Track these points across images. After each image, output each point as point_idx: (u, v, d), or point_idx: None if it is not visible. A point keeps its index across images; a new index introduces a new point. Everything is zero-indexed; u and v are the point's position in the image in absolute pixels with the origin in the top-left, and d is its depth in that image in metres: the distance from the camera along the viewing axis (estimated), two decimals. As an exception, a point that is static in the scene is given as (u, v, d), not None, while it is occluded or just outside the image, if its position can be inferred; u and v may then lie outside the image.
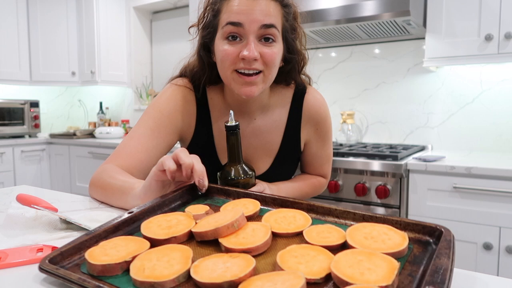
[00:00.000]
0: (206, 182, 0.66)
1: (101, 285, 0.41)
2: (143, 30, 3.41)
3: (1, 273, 0.49)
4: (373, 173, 1.71)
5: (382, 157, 1.73)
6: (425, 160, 1.65)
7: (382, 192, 1.66)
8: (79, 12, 3.17)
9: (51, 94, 3.70)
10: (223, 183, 0.80)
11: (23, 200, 0.71)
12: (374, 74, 2.32)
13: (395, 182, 1.67)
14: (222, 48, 0.81)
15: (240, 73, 0.81)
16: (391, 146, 2.08)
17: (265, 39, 0.80)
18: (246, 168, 0.82)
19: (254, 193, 0.66)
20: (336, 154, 1.83)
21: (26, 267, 0.51)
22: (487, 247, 1.51)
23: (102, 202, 0.85)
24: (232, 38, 0.80)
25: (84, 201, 0.87)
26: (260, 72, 0.82)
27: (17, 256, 0.52)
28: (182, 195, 0.67)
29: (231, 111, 0.79)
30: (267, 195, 0.65)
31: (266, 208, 0.63)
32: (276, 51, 0.82)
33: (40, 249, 0.55)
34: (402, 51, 2.22)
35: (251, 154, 0.97)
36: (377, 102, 2.32)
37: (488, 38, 1.70)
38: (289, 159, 1.01)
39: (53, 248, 0.55)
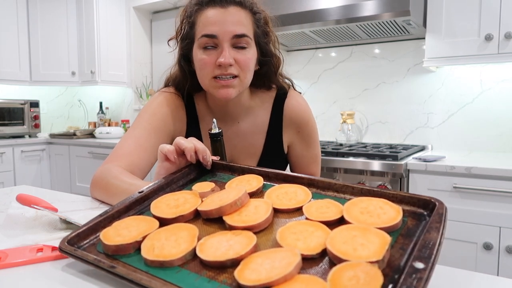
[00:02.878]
0: (209, 158, 0.70)
1: (115, 265, 0.44)
2: (143, 30, 3.41)
3: (1, 273, 0.49)
4: (373, 173, 1.71)
5: (382, 157, 1.73)
6: (425, 160, 1.65)
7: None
8: (79, 12, 3.17)
9: (51, 94, 3.70)
10: None
11: (23, 200, 0.71)
12: (374, 74, 2.32)
13: (395, 182, 1.67)
14: (199, 57, 0.86)
15: (218, 78, 0.86)
16: (391, 146, 2.08)
17: (240, 47, 0.86)
18: None
19: (258, 169, 0.68)
20: (336, 154, 1.83)
21: (26, 267, 0.51)
22: (487, 247, 1.51)
23: (103, 202, 0.85)
24: (209, 47, 0.85)
25: (84, 201, 0.87)
26: (236, 76, 0.87)
27: (17, 256, 0.52)
28: (189, 172, 0.70)
29: (214, 119, 0.84)
30: (270, 170, 0.66)
31: (269, 183, 0.65)
32: (249, 56, 0.87)
33: (40, 249, 0.55)
34: (402, 51, 2.22)
35: (236, 155, 1.00)
36: (377, 102, 2.32)
37: (488, 38, 1.70)
38: (274, 160, 1.04)
39: (53, 248, 0.55)
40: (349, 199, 0.55)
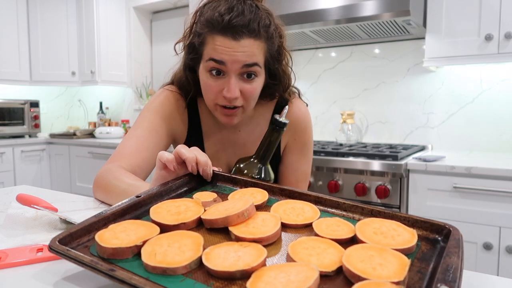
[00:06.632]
0: (210, 171, 0.68)
1: (114, 268, 0.41)
2: (143, 30, 3.41)
3: (1, 273, 0.49)
4: (373, 173, 1.71)
5: (382, 157, 1.73)
6: (425, 160, 1.65)
7: (382, 192, 1.66)
8: (79, 12, 3.17)
9: (51, 94, 3.70)
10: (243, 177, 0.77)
11: (23, 200, 0.71)
12: (374, 74, 2.32)
13: (395, 182, 1.67)
14: (205, 80, 0.84)
15: (221, 106, 0.85)
16: (391, 146, 2.08)
17: (247, 75, 0.82)
18: (270, 172, 0.79)
19: (262, 183, 0.66)
20: (336, 154, 1.83)
21: (26, 267, 0.51)
22: (487, 247, 1.51)
23: (103, 202, 0.85)
24: (215, 73, 0.82)
25: (84, 201, 0.87)
26: (240, 106, 0.85)
27: (17, 256, 0.52)
28: (189, 181, 0.67)
29: (287, 107, 0.78)
30: (274, 185, 0.65)
31: (273, 198, 0.63)
32: (256, 86, 0.84)
33: (40, 249, 0.55)
34: (402, 51, 2.22)
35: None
36: (377, 102, 2.32)
37: (488, 38, 1.70)
38: (273, 168, 1.01)
39: (53, 248, 0.55)
40: (358, 220, 0.54)
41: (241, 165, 0.79)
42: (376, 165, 1.69)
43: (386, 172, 1.67)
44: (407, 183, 1.67)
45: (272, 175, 0.80)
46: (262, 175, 0.78)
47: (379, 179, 1.70)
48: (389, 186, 1.67)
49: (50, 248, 0.45)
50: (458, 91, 2.07)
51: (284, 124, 0.75)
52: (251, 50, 0.80)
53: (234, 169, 0.80)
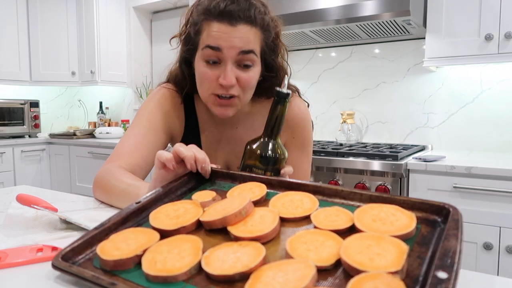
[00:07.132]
0: (208, 168, 0.68)
1: (115, 282, 0.41)
2: (143, 30, 3.41)
3: (1, 273, 0.49)
4: (373, 173, 1.71)
5: (382, 157, 1.73)
6: (425, 160, 1.65)
7: (382, 191, 1.66)
8: (79, 12, 3.17)
9: (51, 94, 3.70)
10: (255, 158, 0.75)
11: (23, 200, 0.71)
12: (374, 74, 2.32)
13: (395, 182, 1.67)
14: (201, 70, 0.83)
15: (217, 96, 0.84)
16: (391, 146, 2.08)
17: (244, 66, 0.82)
18: (283, 147, 0.77)
19: (260, 176, 0.65)
20: (336, 154, 1.83)
21: (26, 267, 0.51)
22: (487, 247, 1.51)
23: (103, 202, 0.85)
24: (212, 62, 0.82)
25: (84, 201, 0.87)
26: (236, 96, 0.84)
27: (17, 256, 0.52)
28: (188, 181, 0.67)
29: (286, 77, 0.77)
30: (273, 178, 0.64)
31: (272, 191, 0.62)
32: (252, 75, 0.84)
33: (40, 249, 0.55)
34: (402, 51, 2.22)
35: (233, 160, 0.99)
36: (377, 102, 2.32)
37: (488, 38, 1.70)
38: None
39: (53, 248, 0.55)
40: (358, 206, 0.53)
41: (253, 146, 0.76)
42: (376, 165, 1.69)
43: (386, 172, 1.67)
44: (407, 183, 1.67)
45: (286, 151, 0.79)
46: (278, 153, 0.76)
47: (379, 179, 1.70)
48: (389, 186, 1.67)
49: (53, 265, 0.46)
50: (458, 91, 2.07)
51: (287, 94, 0.74)
52: (247, 36, 0.80)
53: (245, 151, 0.78)
